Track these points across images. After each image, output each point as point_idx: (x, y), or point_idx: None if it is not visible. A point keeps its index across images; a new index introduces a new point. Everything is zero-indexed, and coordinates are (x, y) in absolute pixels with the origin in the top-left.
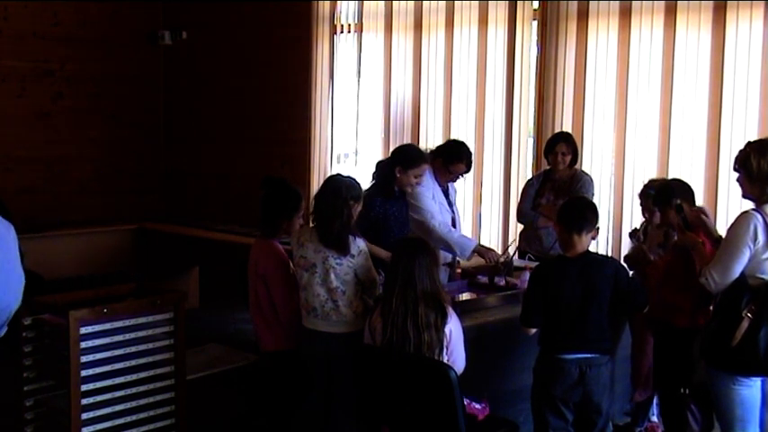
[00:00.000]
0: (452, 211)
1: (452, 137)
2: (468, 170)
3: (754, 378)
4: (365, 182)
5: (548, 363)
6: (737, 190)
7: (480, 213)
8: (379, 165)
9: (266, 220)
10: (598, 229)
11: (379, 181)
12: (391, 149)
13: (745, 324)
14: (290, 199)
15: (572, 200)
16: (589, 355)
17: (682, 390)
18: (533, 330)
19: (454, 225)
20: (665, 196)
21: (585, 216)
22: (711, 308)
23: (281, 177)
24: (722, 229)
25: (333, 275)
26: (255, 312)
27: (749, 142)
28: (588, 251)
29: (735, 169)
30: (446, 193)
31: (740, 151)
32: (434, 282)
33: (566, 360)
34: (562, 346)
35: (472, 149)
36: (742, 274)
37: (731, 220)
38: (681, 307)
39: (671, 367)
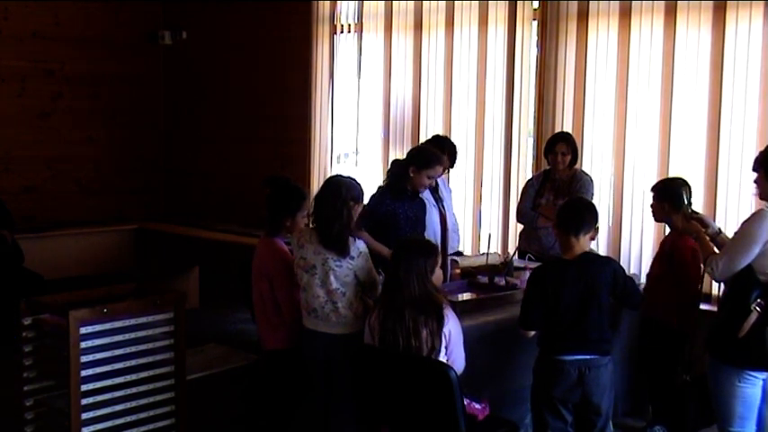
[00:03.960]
0: (440, 207)
1: (452, 137)
2: (451, 164)
3: (758, 374)
4: (366, 182)
5: (547, 364)
6: (737, 189)
7: (480, 212)
8: (394, 163)
9: (270, 218)
10: (597, 229)
11: (392, 179)
12: (391, 149)
13: (753, 317)
14: (292, 197)
15: (570, 201)
16: (588, 357)
17: (685, 377)
18: (531, 333)
19: (443, 220)
20: (661, 192)
21: (583, 218)
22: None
23: (284, 176)
24: (721, 226)
25: (332, 277)
26: (259, 311)
27: None
28: (587, 252)
29: (753, 169)
30: (435, 189)
31: (761, 152)
32: (424, 285)
33: (565, 361)
34: (561, 348)
35: (472, 149)
36: (750, 268)
37: (730, 220)
38: (673, 308)
39: (661, 366)
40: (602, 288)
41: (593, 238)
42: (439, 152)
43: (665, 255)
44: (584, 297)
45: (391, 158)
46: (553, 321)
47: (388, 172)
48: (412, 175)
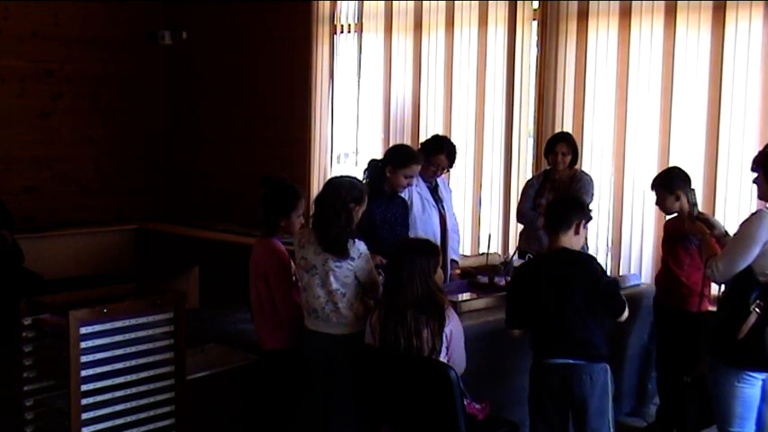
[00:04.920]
0: (440, 207)
1: (452, 137)
2: (450, 164)
3: (757, 375)
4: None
5: (537, 367)
6: (736, 189)
7: (480, 200)
8: (371, 163)
9: (266, 218)
10: (581, 224)
11: (370, 180)
12: None
13: (752, 318)
14: (286, 197)
15: (555, 199)
16: (572, 362)
17: (685, 378)
18: (517, 332)
19: (443, 221)
20: (666, 183)
21: (562, 213)
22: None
23: (279, 176)
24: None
25: (332, 278)
26: (256, 311)
27: None
28: (564, 248)
29: (752, 169)
30: (435, 190)
31: (759, 152)
32: (427, 285)
33: (552, 365)
34: (548, 351)
35: (472, 149)
36: (750, 269)
37: (730, 220)
38: (695, 292)
39: (676, 351)
40: (575, 286)
41: (577, 233)
42: (416, 151)
43: (685, 241)
44: (558, 295)
45: None
46: (536, 321)
47: (365, 171)
48: (389, 175)
